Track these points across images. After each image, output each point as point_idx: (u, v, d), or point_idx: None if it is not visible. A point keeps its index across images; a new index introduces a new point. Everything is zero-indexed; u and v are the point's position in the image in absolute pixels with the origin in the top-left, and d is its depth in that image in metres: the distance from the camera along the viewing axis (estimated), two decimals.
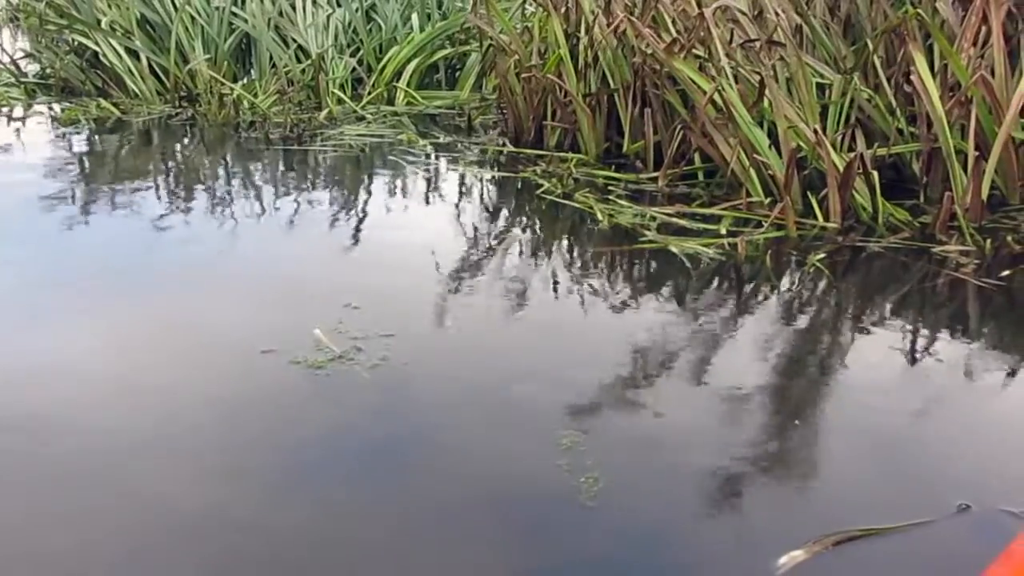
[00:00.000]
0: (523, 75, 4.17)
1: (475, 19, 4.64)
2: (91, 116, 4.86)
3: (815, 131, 3.14)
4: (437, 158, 4.11)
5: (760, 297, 2.55)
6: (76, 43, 5.54)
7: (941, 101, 3.12)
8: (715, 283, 2.65)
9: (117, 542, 1.50)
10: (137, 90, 5.21)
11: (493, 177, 3.85)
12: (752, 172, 3.27)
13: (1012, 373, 2.10)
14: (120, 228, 3.12)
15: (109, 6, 5.50)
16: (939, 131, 3.11)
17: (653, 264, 2.80)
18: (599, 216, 3.16)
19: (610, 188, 3.50)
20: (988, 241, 2.86)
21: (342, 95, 5.04)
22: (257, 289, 2.57)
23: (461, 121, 4.78)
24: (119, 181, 3.72)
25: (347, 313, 2.32)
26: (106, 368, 2.08)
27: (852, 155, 3.08)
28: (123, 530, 1.53)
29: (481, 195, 3.63)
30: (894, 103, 3.37)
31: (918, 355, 2.20)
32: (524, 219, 3.36)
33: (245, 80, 5.47)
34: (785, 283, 2.65)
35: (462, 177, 3.86)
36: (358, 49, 5.51)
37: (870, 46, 3.44)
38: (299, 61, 5.32)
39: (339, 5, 5.70)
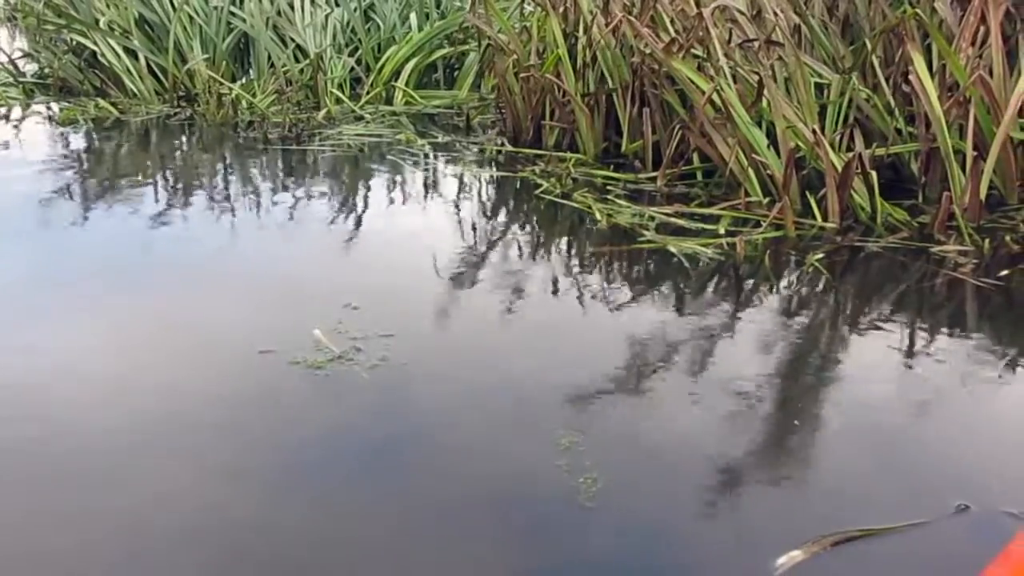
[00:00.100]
0: (521, 75, 4.17)
1: (473, 18, 4.64)
2: (89, 116, 4.86)
3: (814, 131, 3.15)
4: (436, 158, 4.11)
5: (759, 297, 2.55)
6: (74, 43, 5.54)
7: (939, 101, 3.12)
8: (714, 283, 2.65)
9: (117, 542, 1.51)
10: (135, 90, 5.20)
11: (492, 177, 3.85)
12: (751, 172, 3.27)
13: (1010, 373, 2.10)
14: (119, 228, 3.12)
15: (107, 6, 5.50)
16: (937, 131, 3.11)
17: (652, 264, 2.80)
18: (598, 216, 3.16)
19: (609, 188, 3.50)
20: (986, 241, 2.86)
21: (340, 95, 5.04)
22: (256, 289, 2.58)
23: (459, 121, 4.78)
24: (117, 181, 3.72)
25: (346, 313, 2.32)
26: (105, 368, 2.08)
27: (851, 155, 3.08)
28: (123, 530, 1.53)
29: (480, 195, 3.63)
30: (892, 103, 3.38)
31: (916, 355, 2.21)
32: (523, 219, 3.36)
33: (243, 80, 5.47)
34: (784, 283, 2.65)
35: (461, 177, 3.86)
36: (356, 49, 5.51)
37: (868, 46, 3.44)
38: (297, 61, 5.32)
39: (337, 5, 5.70)
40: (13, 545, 1.50)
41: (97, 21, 5.35)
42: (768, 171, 3.23)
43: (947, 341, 2.29)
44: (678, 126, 3.54)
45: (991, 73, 3.10)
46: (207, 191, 3.60)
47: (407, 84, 5.17)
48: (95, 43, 5.26)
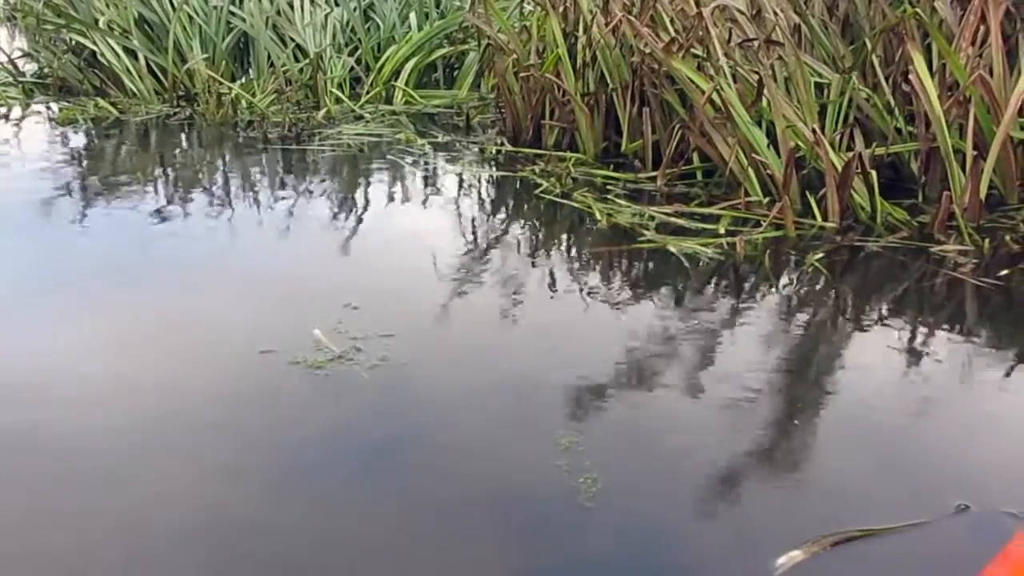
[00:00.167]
0: (521, 74, 4.17)
1: (473, 18, 4.64)
2: (89, 115, 4.86)
3: (813, 131, 3.15)
4: (435, 157, 4.11)
5: (759, 297, 2.55)
6: (74, 42, 5.54)
7: (939, 100, 3.12)
8: (714, 283, 2.65)
9: (117, 542, 1.51)
10: (135, 89, 5.20)
11: (491, 176, 3.85)
12: (751, 171, 3.27)
13: (1010, 373, 2.10)
14: (118, 227, 3.12)
15: (107, 5, 5.50)
16: (937, 130, 3.11)
17: (652, 264, 2.80)
18: (598, 215, 3.16)
19: (608, 187, 3.50)
20: (986, 240, 2.86)
21: (340, 94, 5.04)
22: (256, 288, 2.58)
23: (459, 120, 4.78)
24: (117, 180, 3.72)
25: (347, 313, 2.32)
26: (105, 367, 2.08)
27: (850, 155, 3.08)
28: (123, 530, 1.53)
29: (479, 194, 3.63)
30: (892, 102, 3.38)
31: (916, 355, 2.21)
32: (523, 218, 3.36)
33: (243, 79, 5.46)
34: (783, 283, 2.65)
35: (460, 176, 3.86)
36: (356, 48, 5.51)
37: (868, 45, 3.44)
38: (297, 60, 5.32)
39: (337, 4, 5.70)
40: (13, 545, 1.50)
41: (96, 21, 5.35)
42: (768, 171, 3.23)
43: (947, 341, 2.29)
44: (678, 126, 3.54)
45: (991, 72, 3.10)
46: (207, 191, 3.60)
47: (407, 84, 5.17)
48: (95, 43, 5.26)
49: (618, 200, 3.33)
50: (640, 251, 2.86)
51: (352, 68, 5.32)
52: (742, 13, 3.53)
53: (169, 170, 4.01)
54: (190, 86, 5.26)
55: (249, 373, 2.05)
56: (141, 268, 2.74)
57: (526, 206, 3.45)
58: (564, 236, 3.14)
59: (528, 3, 5.02)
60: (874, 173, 3.08)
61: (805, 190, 3.18)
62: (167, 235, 3.03)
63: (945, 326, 2.39)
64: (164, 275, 2.68)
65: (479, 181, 3.80)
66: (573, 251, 2.99)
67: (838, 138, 3.29)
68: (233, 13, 5.47)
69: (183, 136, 4.57)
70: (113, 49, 5.24)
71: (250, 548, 1.49)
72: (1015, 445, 1.81)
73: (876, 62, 3.45)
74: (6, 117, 4.90)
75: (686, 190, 3.45)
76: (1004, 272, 2.66)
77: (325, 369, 2.05)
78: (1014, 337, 2.33)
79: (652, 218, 3.12)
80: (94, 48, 5.28)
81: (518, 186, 3.65)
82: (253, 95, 5.00)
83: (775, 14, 3.48)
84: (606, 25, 3.81)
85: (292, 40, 5.38)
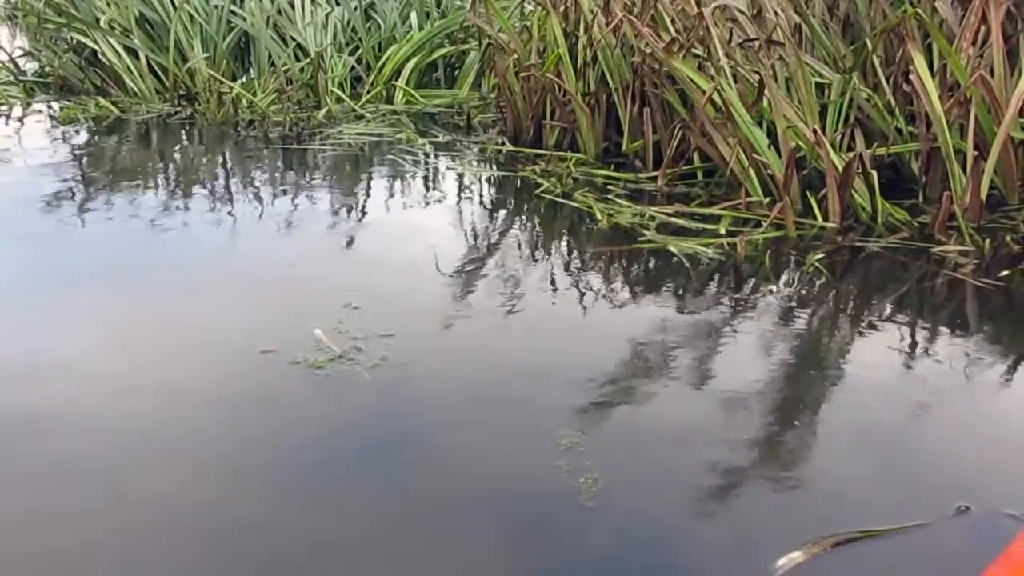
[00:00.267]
0: (522, 74, 4.17)
1: (474, 18, 4.63)
2: (90, 115, 4.86)
3: (814, 131, 3.14)
4: (436, 157, 4.11)
5: (759, 297, 2.55)
6: (75, 41, 5.54)
7: (940, 101, 3.12)
8: (714, 283, 2.65)
9: (117, 542, 1.51)
10: (136, 88, 5.20)
11: (492, 176, 3.85)
12: (751, 172, 3.27)
13: (1011, 373, 2.10)
14: (119, 227, 3.12)
15: (108, 4, 5.50)
16: (938, 131, 3.11)
17: (652, 264, 2.80)
18: (598, 215, 3.16)
19: (609, 187, 3.50)
20: (987, 241, 2.86)
21: (341, 94, 5.04)
22: (257, 288, 2.57)
23: (460, 120, 4.78)
24: (118, 180, 3.72)
25: (347, 313, 2.32)
26: (106, 367, 2.08)
27: (851, 155, 3.08)
28: (123, 530, 1.53)
29: (480, 194, 3.63)
30: (893, 103, 3.38)
31: (917, 355, 2.21)
32: (523, 218, 3.36)
33: (244, 79, 5.46)
34: (784, 283, 2.65)
35: (461, 176, 3.86)
36: (357, 48, 5.51)
37: (869, 45, 3.44)
38: (298, 60, 5.32)
39: (338, 3, 5.70)
40: (13, 545, 1.50)
41: (98, 20, 5.35)
42: (769, 171, 3.23)
43: (947, 341, 2.29)
44: (679, 126, 3.54)
45: (992, 73, 3.09)
46: (208, 190, 3.60)
47: (408, 83, 5.17)
48: (96, 42, 5.26)
49: (619, 200, 3.32)
50: (641, 251, 2.86)
51: (353, 67, 5.33)
52: (743, 13, 3.53)
53: (170, 169, 4.01)
54: (191, 85, 5.26)
55: (250, 373, 2.05)
56: (141, 267, 2.74)
57: (527, 206, 3.45)
58: (565, 236, 3.14)
59: (529, 3, 5.02)
60: (875, 173, 3.08)
61: (806, 190, 3.18)
62: (167, 234, 3.03)
63: (945, 327, 2.39)
64: (164, 274, 2.67)
65: (480, 181, 3.80)
66: (574, 251, 2.99)
67: (839, 138, 3.29)
68: (234, 12, 5.47)
69: (184, 135, 4.57)
70: (114, 48, 5.24)
71: (250, 548, 1.49)
72: (1016, 446, 1.81)
73: (877, 62, 3.45)
74: (7, 116, 4.90)
75: (687, 190, 3.45)
76: (1005, 273, 2.66)
77: (326, 369, 2.05)
78: (1014, 338, 2.33)
79: (653, 218, 3.12)
80: (95, 47, 5.28)
81: (519, 186, 3.65)
82: (254, 94, 5.00)
83: (776, 14, 3.48)
84: (607, 25, 3.80)
85: (293, 39, 5.38)
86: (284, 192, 3.57)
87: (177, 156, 4.28)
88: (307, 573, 1.44)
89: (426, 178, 3.84)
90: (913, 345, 2.26)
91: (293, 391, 1.97)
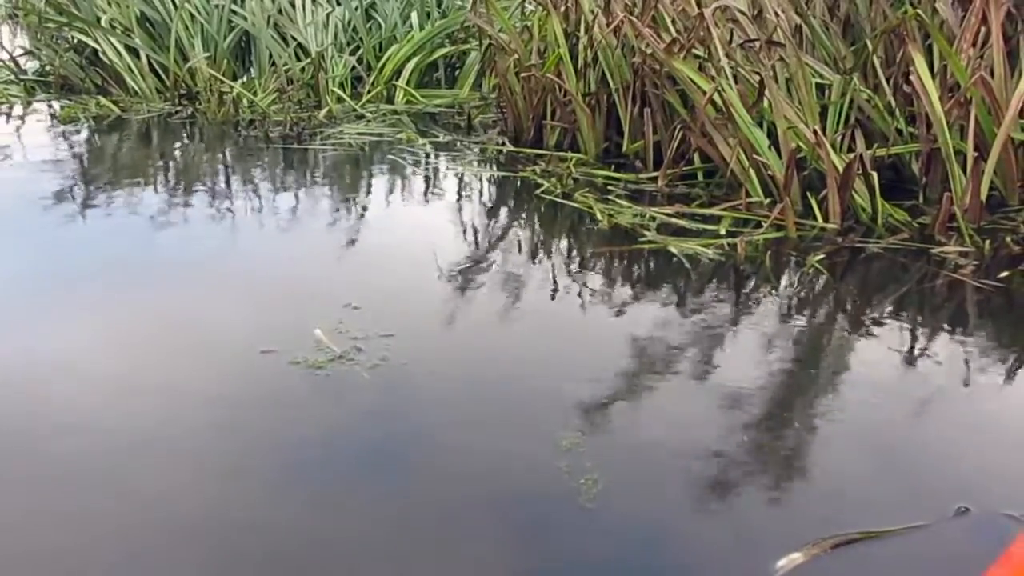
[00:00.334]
0: (523, 74, 4.17)
1: (475, 18, 4.63)
2: (91, 114, 4.86)
3: (815, 132, 3.15)
4: (436, 157, 4.11)
5: (759, 298, 2.55)
6: (76, 40, 5.54)
7: (940, 102, 3.12)
8: (714, 283, 2.65)
9: (117, 542, 1.51)
10: (137, 88, 5.21)
11: (492, 176, 3.85)
12: (752, 172, 3.27)
13: (1011, 374, 2.10)
14: (119, 226, 3.12)
15: (109, 3, 5.50)
16: (938, 132, 3.11)
17: (652, 264, 2.80)
18: (598, 216, 3.16)
19: (609, 188, 3.50)
20: (987, 242, 2.86)
21: (342, 93, 5.04)
22: (257, 288, 2.58)
23: (460, 120, 4.78)
24: (118, 179, 3.72)
25: (347, 313, 2.32)
26: (106, 367, 2.08)
27: (851, 156, 3.08)
28: (123, 530, 1.53)
29: (480, 194, 3.63)
30: (893, 104, 3.38)
31: (917, 356, 2.21)
32: (523, 219, 3.36)
33: (245, 78, 5.47)
34: (784, 284, 2.65)
35: (461, 176, 3.86)
36: (358, 47, 5.51)
37: (870, 46, 3.44)
38: (299, 59, 5.32)
39: (339, 3, 5.70)
40: (13, 545, 1.50)
41: (98, 19, 5.36)
42: (769, 172, 3.23)
43: (947, 342, 2.29)
44: (679, 126, 3.54)
45: (992, 74, 3.09)
46: (208, 190, 3.60)
47: (408, 83, 5.17)
48: (96, 41, 5.27)
49: (619, 200, 3.32)
50: (641, 252, 2.86)
51: (353, 67, 5.33)
52: (743, 14, 3.53)
53: (170, 169, 4.01)
54: (192, 85, 5.26)
55: (250, 373, 2.05)
56: (142, 267, 2.74)
57: (527, 206, 3.45)
58: (565, 236, 3.14)
59: (529, 3, 5.02)
60: (875, 174, 3.07)
61: (806, 191, 3.18)
62: (168, 234, 3.03)
63: (945, 327, 2.39)
64: (165, 274, 2.68)
65: (480, 181, 3.80)
66: (574, 251, 2.98)
67: (839, 139, 3.29)
68: (235, 12, 5.47)
69: (184, 135, 4.57)
70: (115, 47, 5.24)
71: (250, 548, 1.49)
72: (1016, 447, 1.81)
73: (877, 63, 3.45)
74: (8, 115, 4.91)
75: (687, 191, 3.45)
76: (1004, 273, 2.66)
77: (326, 369, 2.05)
78: (1014, 338, 2.33)
79: (653, 219, 3.12)
80: (96, 46, 5.29)
81: (519, 186, 3.65)
82: (254, 94, 5.00)
83: (776, 15, 3.47)
84: (607, 25, 3.81)
85: (294, 39, 5.38)
86: (284, 192, 3.57)
87: (177, 155, 4.28)
88: (307, 573, 1.44)
89: (426, 178, 3.85)
90: (913, 346, 2.26)
91: (293, 391, 1.97)
